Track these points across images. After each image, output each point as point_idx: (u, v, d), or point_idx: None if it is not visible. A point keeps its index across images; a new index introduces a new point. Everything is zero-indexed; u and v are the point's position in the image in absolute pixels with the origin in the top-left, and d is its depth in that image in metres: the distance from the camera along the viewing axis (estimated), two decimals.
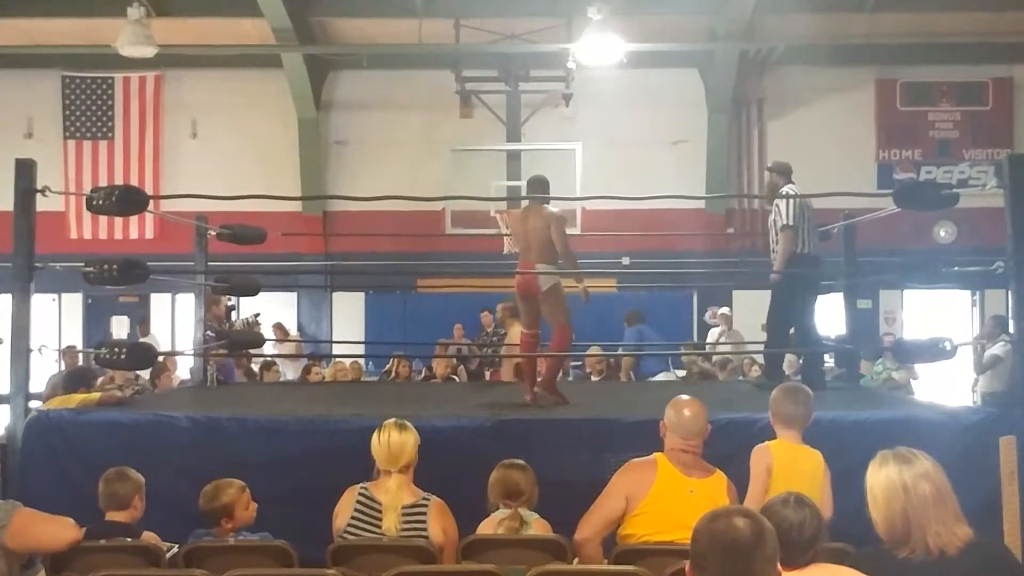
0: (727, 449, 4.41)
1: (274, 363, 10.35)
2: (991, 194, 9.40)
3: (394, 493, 3.87)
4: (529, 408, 6.01)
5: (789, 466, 4.08)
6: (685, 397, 4.04)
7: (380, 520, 3.85)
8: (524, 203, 6.49)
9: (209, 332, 8.11)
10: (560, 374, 7.10)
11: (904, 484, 2.75)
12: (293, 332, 13.37)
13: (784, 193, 6.74)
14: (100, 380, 7.92)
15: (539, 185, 6.34)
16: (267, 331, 11.07)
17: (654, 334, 11.00)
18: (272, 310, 13.06)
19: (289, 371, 11.65)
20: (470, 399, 6.74)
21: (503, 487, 4.05)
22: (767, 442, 4.23)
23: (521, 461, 4.14)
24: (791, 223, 6.59)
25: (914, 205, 6.02)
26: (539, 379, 6.27)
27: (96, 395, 5.96)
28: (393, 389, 8.89)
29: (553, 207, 6.24)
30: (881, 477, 2.81)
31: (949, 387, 10.97)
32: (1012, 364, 6.28)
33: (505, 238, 12.22)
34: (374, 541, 3.81)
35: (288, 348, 12.37)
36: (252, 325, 9.45)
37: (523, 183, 12.32)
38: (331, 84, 14.36)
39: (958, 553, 2.69)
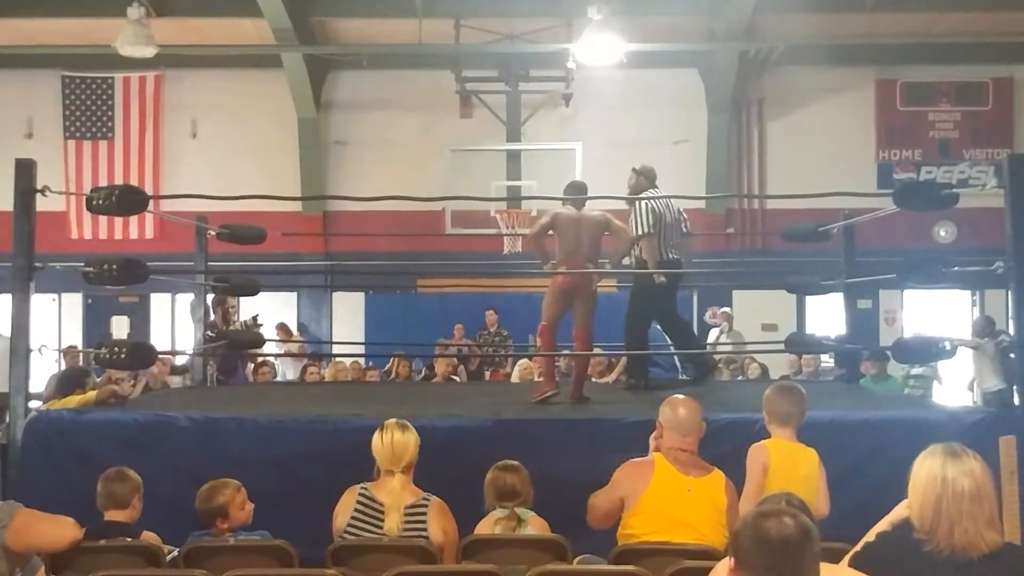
0: (726, 449, 4.43)
1: (265, 363, 10.36)
2: (991, 194, 9.41)
3: (398, 493, 3.87)
4: (529, 408, 6.01)
5: (785, 465, 4.09)
6: (679, 396, 4.05)
7: (381, 520, 3.86)
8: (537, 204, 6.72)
9: (209, 332, 8.12)
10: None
11: (944, 476, 2.76)
12: (296, 332, 13.36)
13: (643, 198, 6.82)
14: (99, 380, 7.93)
15: (580, 189, 6.62)
16: (270, 332, 11.07)
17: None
18: (272, 310, 13.07)
19: (289, 371, 11.65)
20: (470, 399, 6.74)
21: (498, 489, 4.06)
22: (763, 441, 4.23)
23: (515, 462, 4.14)
24: (650, 231, 6.71)
25: (914, 205, 6.04)
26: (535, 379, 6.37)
27: (92, 394, 5.96)
28: (393, 389, 8.90)
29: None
30: (925, 466, 2.82)
31: (951, 387, 10.98)
32: (1014, 364, 6.27)
33: (505, 238, 12.22)
34: (374, 541, 3.81)
35: (291, 348, 12.35)
36: (251, 327, 9.45)
37: (523, 183, 12.43)
38: (331, 84, 14.35)
39: (983, 557, 2.69)
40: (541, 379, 6.71)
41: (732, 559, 2.26)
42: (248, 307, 11.98)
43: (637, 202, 6.78)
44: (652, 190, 6.97)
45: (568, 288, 6.33)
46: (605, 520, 3.90)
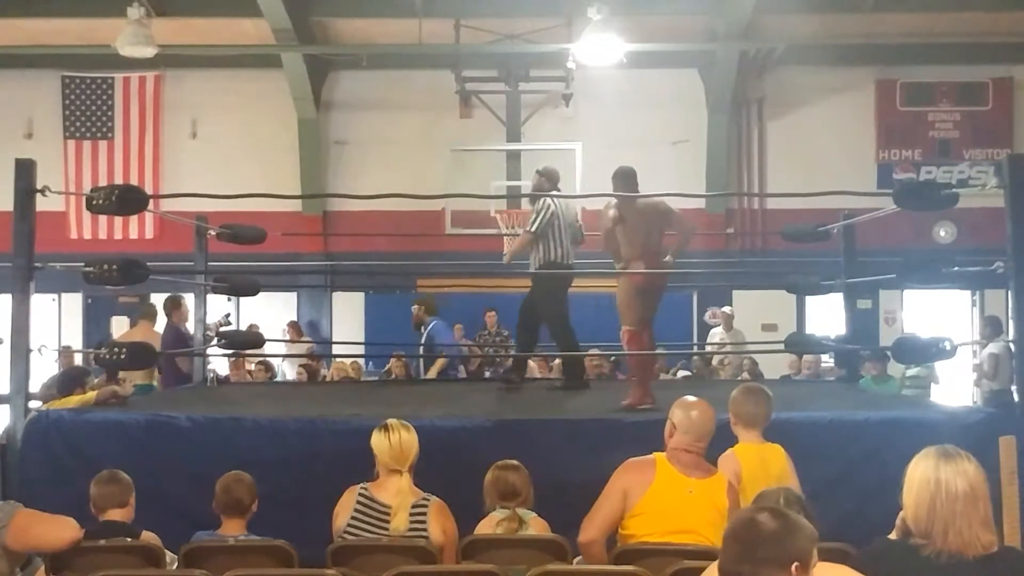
0: (726, 450, 4.41)
1: (263, 363, 10.37)
2: (991, 194, 9.40)
3: (406, 493, 3.89)
4: (529, 408, 6.01)
5: (757, 469, 4.09)
6: (692, 398, 3.99)
7: (381, 520, 3.86)
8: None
9: (209, 333, 8.11)
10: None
11: (938, 478, 2.75)
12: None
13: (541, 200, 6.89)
14: (97, 380, 7.91)
15: (632, 175, 6.26)
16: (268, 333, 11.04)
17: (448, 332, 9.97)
18: (272, 310, 13.07)
19: (290, 371, 11.65)
20: (470, 399, 6.74)
21: (499, 489, 4.05)
22: (731, 449, 4.22)
23: (515, 462, 4.14)
24: (534, 231, 6.84)
25: (914, 205, 6.04)
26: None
27: (92, 394, 5.97)
28: (393, 389, 8.89)
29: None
30: (919, 468, 2.81)
31: (951, 387, 10.98)
32: (1014, 364, 6.28)
33: (505, 238, 12.20)
34: (374, 541, 3.81)
35: (301, 348, 12.32)
36: (222, 327, 9.32)
37: (523, 183, 12.41)
38: (331, 84, 14.35)
39: (979, 559, 2.68)
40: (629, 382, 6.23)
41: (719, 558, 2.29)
42: (248, 307, 12.00)
43: (538, 200, 6.83)
44: (554, 192, 7.01)
45: (647, 286, 5.99)
46: (608, 530, 3.76)
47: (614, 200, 6.13)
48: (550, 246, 6.86)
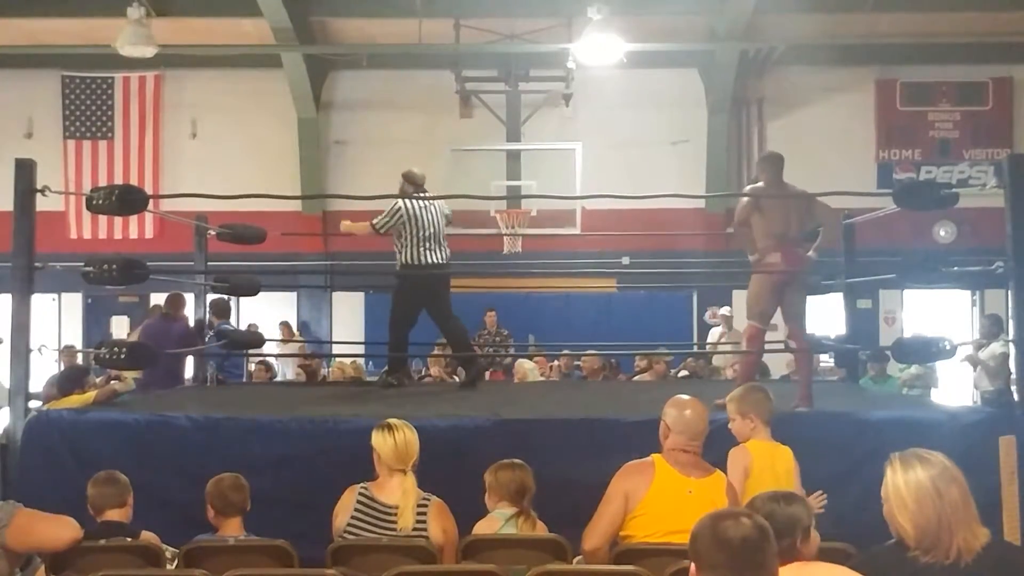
0: (726, 450, 4.41)
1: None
2: (991, 194, 9.41)
3: (411, 492, 3.89)
4: (528, 408, 6.01)
5: (766, 466, 4.11)
6: (685, 397, 4.00)
7: (381, 520, 3.87)
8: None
9: (209, 332, 8.11)
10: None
11: (937, 489, 2.70)
12: (296, 332, 13.34)
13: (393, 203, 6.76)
14: (99, 380, 7.91)
15: (777, 160, 6.09)
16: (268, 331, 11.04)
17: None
18: (272, 310, 13.06)
19: (289, 371, 11.65)
20: (470, 399, 6.74)
21: (513, 488, 4.02)
22: (744, 444, 4.24)
23: (519, 461, 4.14)
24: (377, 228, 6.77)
25: (914, 205, 6.03)
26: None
27: (91, 394, 5.96)
28: (393, 389, 8.87)
29: None
30: (910, 481, 2.74)
31: (951, 386, 10.98)
32: (1014, 364, 6.27)
33: (505, 238, 12.21)
34: (374, 541, 3.81)
35: (293, 348, 12.33)
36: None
37: (523, 183, 12.41)
38: (331, 84, 14.36)
39: (976, 556, 2.68)
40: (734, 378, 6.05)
41: (693, 564, 2.25)
42: (249, 307, 11.98)
43: (390, 202, 6.73)
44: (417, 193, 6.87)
45: (784, 277, 5.75)
46: (612, 536, 3.74)
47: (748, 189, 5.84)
48: (404, 250, 6.81)
